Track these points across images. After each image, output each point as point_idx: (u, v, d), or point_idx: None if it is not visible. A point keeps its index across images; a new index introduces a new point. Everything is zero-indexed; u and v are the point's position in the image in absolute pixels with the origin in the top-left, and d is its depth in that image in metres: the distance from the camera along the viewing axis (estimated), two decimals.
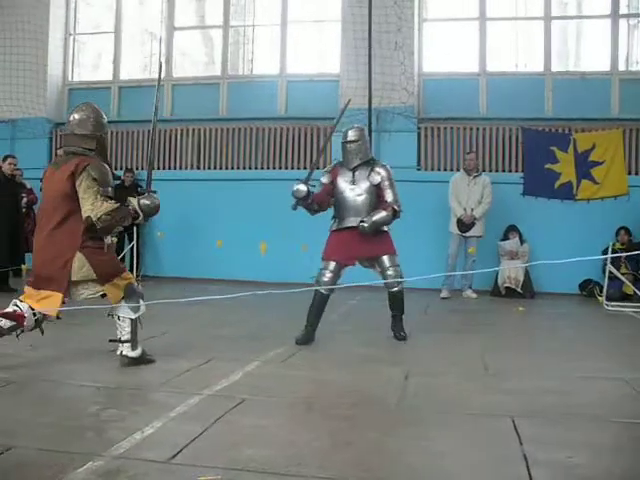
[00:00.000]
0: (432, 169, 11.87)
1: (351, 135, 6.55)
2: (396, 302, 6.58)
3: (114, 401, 4.18)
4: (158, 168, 12.84)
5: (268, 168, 12.47)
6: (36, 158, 12.40)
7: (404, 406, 4.11)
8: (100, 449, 3.15)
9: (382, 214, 6.31)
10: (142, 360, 5.15)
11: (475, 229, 10.65)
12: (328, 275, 6.27)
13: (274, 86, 12.84)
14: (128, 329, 5.08)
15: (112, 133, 12.98)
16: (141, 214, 5.11)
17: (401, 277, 6.40)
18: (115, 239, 11.83)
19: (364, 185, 6.46)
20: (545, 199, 11.35)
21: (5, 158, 10.13)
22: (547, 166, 11.35)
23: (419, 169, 11.92)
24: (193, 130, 12.87)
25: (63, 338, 6.01)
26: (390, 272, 6.36)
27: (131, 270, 11.74)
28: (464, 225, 10.64)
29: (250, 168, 12.62)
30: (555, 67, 12.02)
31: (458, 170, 11.50)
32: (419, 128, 11.99)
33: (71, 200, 4.85)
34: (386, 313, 7.61)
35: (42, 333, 5.07)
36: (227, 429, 3.59)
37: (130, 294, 5.06)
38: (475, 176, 10.78)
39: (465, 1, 12.34)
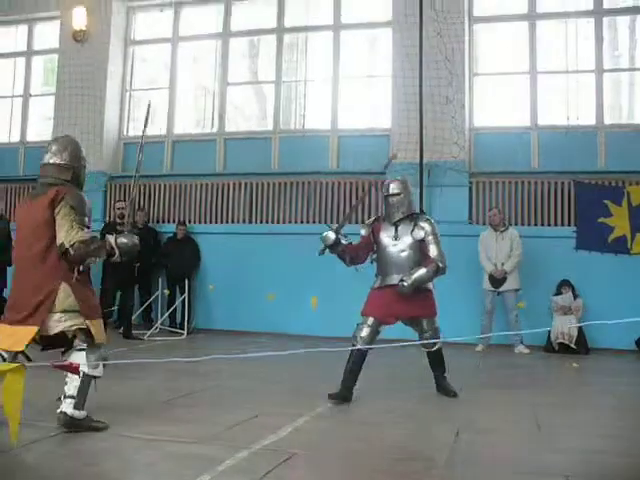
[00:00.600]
0: (484, 223, 11.79)
1: (393, 188, 6.37)
2: (435, 361, 6.48)
3: (162, 454, 4.19)
4: (210, 222, 13.01)
5: (319, 222, 12.50)
6: (93, 210, 12.62)
7: (453, 464, 4.04)
8: None
9: (422, 271, 6.12)
10: (84, 424, 4.65)
11: (508, 283, 10.66)
12: (366, 330, 6.13)
13: (326, 141, 12.96)
14: (77, 384, 4.67)
15: (165, 186, 13.26)
16: (117, 251, 4.86)
17: (437, 337, 6.28)
18: (167, 291, 12.07)
19: (407, 240, 6.28)
20: (598, 253, 11.16)
21: None
22: (600, 220, 11.20)
23: (470, 223, 11.86)
24: (245, 184, 13.02)
25: (113, 391, 6.06)
26: (427, 335, 6.27)
27: (182, 322, 11.87)
28: (496, 281, 10.68)
29: (301, 222, 12.68)
30: (608, 120, 11.93)
31: (511, 224, 11.45)
32: (470, 182, 11.96)
33: (52, 229, 4.72)
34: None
35: (28, 360, 4.70)
36: None
37: (95, 349, 4.75)
38: (502, 231, 10.84)
39: (516, 55, 12.37)
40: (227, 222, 13.08)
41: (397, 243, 6.29)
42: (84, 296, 4.75)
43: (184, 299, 11.88)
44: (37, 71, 15.27)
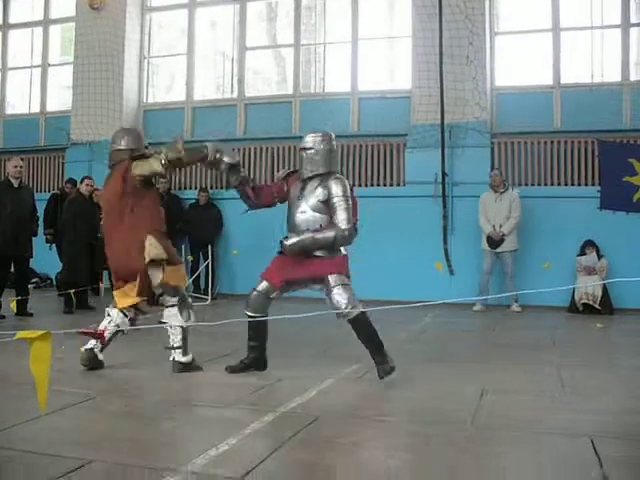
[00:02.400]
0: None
1: (306, 141, 5.58)
2: (358, 334, 5.38)
3: (189, 417, 4.24)
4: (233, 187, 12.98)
5: None
6: None
7: (479, 424, 4.05)
8: (175, 465, 3.19)
9: (308, 235, 5.35)
10: (192, 366, 5.55)
11: (506, 244, 10.75)
12: (254, 295, 5.61)
13: (346, 103, 12.88)
14: (180, 336, 5.50)
15: None
16: (218, 154, 5.68)
17: (349, 303, 5.29)
18: (191, 257, 12.14)
19: (310, 201, 5.50)
20: (623, 213, 11.07)
21: (82, 180, 10.43)
22: (625, 179, 11.07)
23: (491, 186, 11.77)
24: (266, 149, 12.99)
25: (142, 356, 6.12)
26: (334, 297, 5.32)
27: (206, 288, 11.93)
28: (494, 242, 10.75)
29: None
30: (633, 76, 11.73)
31: (533, 185, 11.37)
32: (492, 143, 11.86)
33: (127, 196, 5.51)
34: (460, 330, 7.52)
35: (143, 314, 5.80)
36: (302, 446, 3.59)
37: (183, 301, 5.61)
38: (502, 192, 10.87)
39: (538, 12, 12.16)
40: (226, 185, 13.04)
41: (300, 203, 5.55)
42: (166, 244, 5.60)
43: (207, 265, 11.94)
44: (55, 41, 15.28)
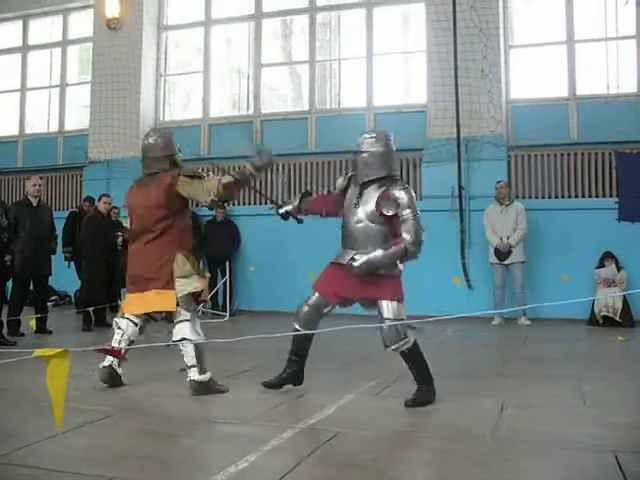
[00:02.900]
0: (523, 197, 11.66)
1: (361, 142, 5.23)
2: (408, 364, 5.14)
3: (208, 434, 4.23)
4: (249, 204, 13.04)
5: None
6: None
7: (499, 439, 4.02)
8: None
9: (379, 253, 4.89)
10: (211, 386, 5.30)
11: (514, 256, 10.71)
12: (305, 309, 5.26)
13: (362, 119, 12.89)
14: (192, 353, 5.27)
15: (202, 170, 13.20)
16: (251, 170, 5.34)
17: (399, 336, 4.96)
18: (208, 274, 12.16)
19: (368, 209, 5.02)
20: None
21: (100, 197, 10.49)
22: None
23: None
24: (282, 165, 13.02)
25: (159, 372, 6.13)
26: (386, 325, 4.94)
27: (224, 305, 11.94)
28: (501, 254, 10.73)
29: None
30: None
31: (550, 197, 11.35)
32: (509, 156, 11.84)
33: (167, 211, 5.37)
34: (479, 344, 7.47)
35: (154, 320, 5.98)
36: (321, 463, 3.58)
37: (194, 318, 5.42)
38: (507, 205, 10.87)
39: (552, 24, 12.16)
40: (266, 203, 13.08)
41: (356, 211, 5.10)
42: (194, 261, 5.50)
43: (225, 281, 11.95)
44: (73, 61, 15.45)
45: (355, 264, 4.90)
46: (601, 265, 10.66)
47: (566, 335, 9.40)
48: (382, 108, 12.89)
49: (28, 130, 15.64)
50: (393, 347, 4.96)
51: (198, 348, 5.29)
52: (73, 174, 14.53)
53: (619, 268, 10.57)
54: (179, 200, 5.43)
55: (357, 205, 5.09)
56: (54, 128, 15.25)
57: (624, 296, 10.06)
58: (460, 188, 11.31)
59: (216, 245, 12.24)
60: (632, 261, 10.67)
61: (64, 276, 11.45)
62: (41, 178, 9.70)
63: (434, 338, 8.66)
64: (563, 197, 11.54)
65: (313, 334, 5.24)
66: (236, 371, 5.85)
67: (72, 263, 11.46)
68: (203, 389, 5.25)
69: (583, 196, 11.47)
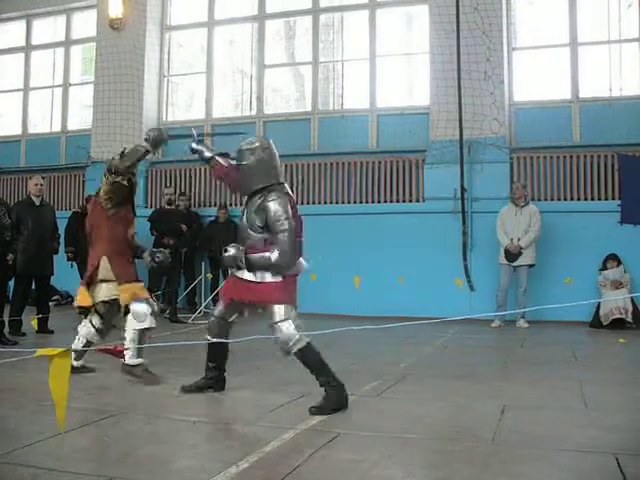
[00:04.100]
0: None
1: (234, 156, 5.33)
2: (304, 365, 5.02)
3: (210, 435, 4.23)
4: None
5: (360, 202, 12.50)
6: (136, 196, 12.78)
7: (500, 441, 4.02)
8: None
9: (257, 256, 4.96)
10: (138, 370, 5.66)
11: (523, 258, 10.69)
12: (211, 319, 5.45)
13: (365, 120, 12.90)
14: (132, 337, 5.69)
15: (205, 170, 13.28)
16: (147, 144, 6.14)
17: (285, 338, 4.95)
18: (210, 275, 12.17)
19: (250, 218, 5.09)
20: None
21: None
22: None
23: (512, 199, 11.73)
24: (285, 166, 12.96)
25: (159, 373, 6.13)
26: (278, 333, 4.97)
27: None
28: (511, 255, 10.69)
29: (341, 202, 12.67)
30: None
31: (553, 199, 11.34)
32: (511, 158, 11.83)
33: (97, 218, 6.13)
34: (481, 346, 7.46)
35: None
36: (322, 464, 3.58)
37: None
38: (522, 206, 10.83)
39: (555, 27, 12.15)
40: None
41: (243, 219, 5.21)
42: (119, 265, 5.83)
43: None
44: (76, 61, 15.44)
45: (225, 254, 5.08)
46: (604, 267, 10.65)
47: (568, 337, 9.38)
48: (385, 110, 12.89)
49: (31, 130, 15.65)
50: (286, 348, 4.93)
51: (138, 335, 5.71)
52: (75, 174, 14.53)
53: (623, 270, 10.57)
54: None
55: (242, 213, 5.24)
56: (57, 128, 15.26)
57: (631, 297, 10.05)
58: (463, 190, 11.29)
59: (218, 246, 12.21)
60: (634, 263, 10.67)
61: (66, 276, 11.44)
62: (43, 178, 9.72)
63: (435, 340, 8.66)
64: (566, 199, 11.52)
65: (227, 343, 5.32)
66: (236, 371, 5.84)
67: (74, 263, 11.47)
68: (129, 371, 5.69)
69: (586, 199, 11.46)
